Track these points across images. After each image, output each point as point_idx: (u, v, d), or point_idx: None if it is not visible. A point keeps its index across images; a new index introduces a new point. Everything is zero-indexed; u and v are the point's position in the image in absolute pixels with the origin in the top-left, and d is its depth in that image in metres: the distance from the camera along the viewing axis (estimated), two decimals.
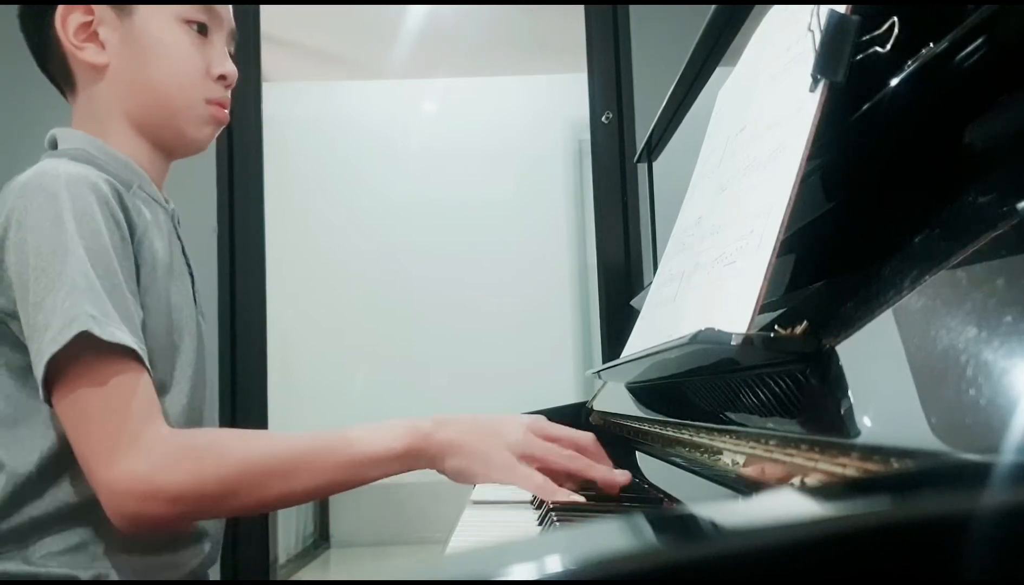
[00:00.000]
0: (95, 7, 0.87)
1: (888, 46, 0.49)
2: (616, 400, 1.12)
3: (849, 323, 0.44)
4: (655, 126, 1.40)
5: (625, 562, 0.22)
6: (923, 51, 0.46)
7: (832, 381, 0.43)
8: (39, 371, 0.71)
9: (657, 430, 0.80)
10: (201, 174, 2.17)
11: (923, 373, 0.36)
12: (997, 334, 0.32)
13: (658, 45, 2.16)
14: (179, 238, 0.95)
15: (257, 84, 2.24)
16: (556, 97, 3.80)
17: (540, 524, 0.68)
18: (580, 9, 2.29)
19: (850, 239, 0.56)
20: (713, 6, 1.02)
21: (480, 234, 3.85)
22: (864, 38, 0.50)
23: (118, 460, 0.71)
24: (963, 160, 0.45)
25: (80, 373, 0.72)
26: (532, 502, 0.77)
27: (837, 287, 0.53)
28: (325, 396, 3.66)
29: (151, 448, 0.72)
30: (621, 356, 0.85)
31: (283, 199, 3.04)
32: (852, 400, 0.41)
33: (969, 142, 0.44)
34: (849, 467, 0.38)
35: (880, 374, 0.41)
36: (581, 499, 0.75)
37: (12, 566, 0.77)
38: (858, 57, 0.51)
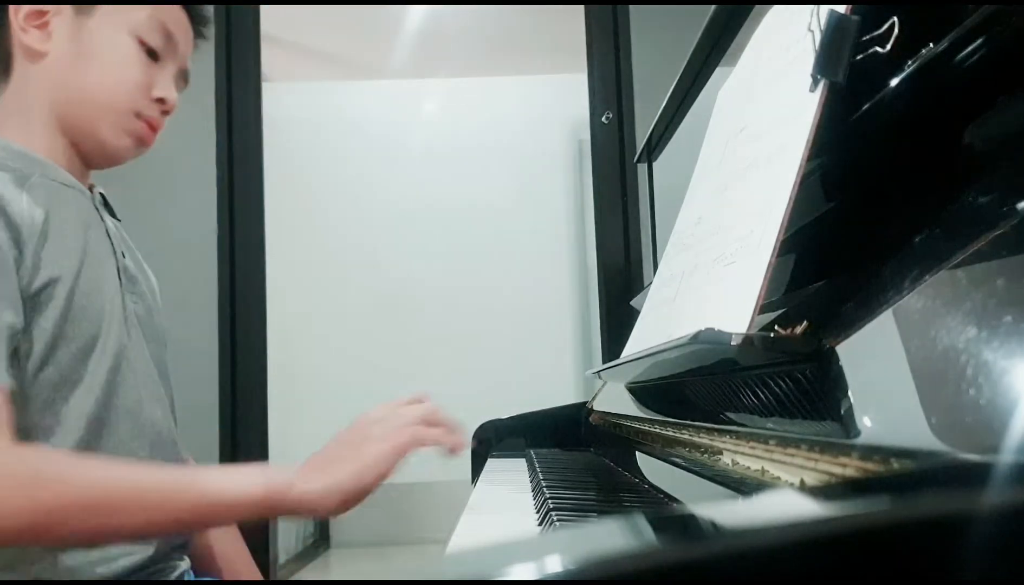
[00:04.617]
0: None
1: (888, 46, 0.49)
2: (616, 400, 1.12)
3: (849, 323, 0.44)
4: (655, 126, 1.40)
5: (625, 562, 0.22)
6: (923, 51, 0.46)
7: (832, 381, 0.43)
8: None
9: (657, 430, 0.80)
10: (201, 174, 2.17)
11: (923, 373, 0.36)
12: (997, 334, 0.32)
13: (658, 45, 2.16)
14: (103, 219, 0.92)
15: (257, 84, 2.24)
16: (556, 97, 3.80)
17: (540, 524, 0.68)
18: (580, 9, 2.29)
19: (850, 239, 0.56)
20: (713, 6, 1.02)
21: (480, 234, 3.85)
22: (864, 38, 0.50)
23: None
24: (963, 160, 0.45)
25: None
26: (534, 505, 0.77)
27: (837, 287, 0.53)
28: (325, 396, 3.66)
29: None
30: (621, 356, 0.84)
31: (283, 199, 3.04)
32: (852, 400, 0.41)
33: (969, 142, 0.44)
34: (849, 467, 0.38)
35: (880, 374, 0.41)
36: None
37: None
38: (858, 57, 0.51)
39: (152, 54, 0.92)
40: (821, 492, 0.30)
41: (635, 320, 0.91)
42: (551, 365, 3.70)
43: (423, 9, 3.43)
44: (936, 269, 0.39)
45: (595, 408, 1.31)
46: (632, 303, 1.57)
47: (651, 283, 0.91)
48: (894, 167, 0.52)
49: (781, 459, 0.46)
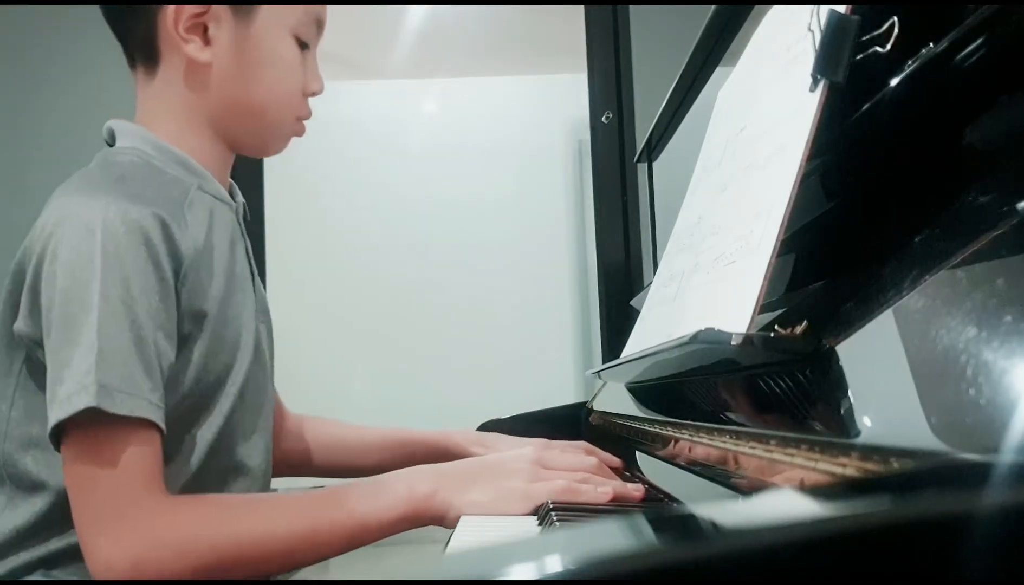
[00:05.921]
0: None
1: (888, 46, 0.49)
2: (616, 400, 1.12)
3: (849, 323, 0.44)
4: (655, 126, 1.40)
5: (625, 562, 0.22)
6: (923, 51, 0.46)
7: (832, 381, 0.43)
8: (48, 427, 0.70)
9: (657, 430, 0.80)
10: None
11: (923, 373, 0.36)
12: (997, 334, 0.32)
13: (658, 45, 2.16)
14: (243, 236, 0.90)
15: None
16: (556, 97, 3.80)
17: (540, 524, 0.68)
18: (580, 9, 2.29)
19: (850, 239, 0.56)
20: (713, 6, 1.02)
21: (480, 234, 3.85)
22: (864, 38, 0.50)
23: (109, 536, 0.70)
24: (963, 160, 0.45)
25: (86, 440, 0.70)
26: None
27: (837, 287, 0.53)
28: (324, 396, 3.65)
29: (144, 529, 0.70)
30: (621, 356, 0.84)
31: (283, 198, 3.04)
32: (852, 400, 0.41)
33: (969, 142, 0.44)
34: (849, 467, 0.38)
35: (880, 374, 0.41)
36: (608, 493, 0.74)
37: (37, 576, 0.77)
38: (858, 57, 0.51)
39: (304, 46, 0.89)
40: (821, 492, 0.30)
41: (635, 320, 0.91)
42: (551, 365, 3.70)
43: (423, 9, 3.43)
44: (936, 269, 0.39)
45: (595, 408, 1.31)
46: (632, 303, 1.57)
47: (651, 283, 0.91)
48: (894, 167, 0.52)
49: (781, 459, 0.46)
